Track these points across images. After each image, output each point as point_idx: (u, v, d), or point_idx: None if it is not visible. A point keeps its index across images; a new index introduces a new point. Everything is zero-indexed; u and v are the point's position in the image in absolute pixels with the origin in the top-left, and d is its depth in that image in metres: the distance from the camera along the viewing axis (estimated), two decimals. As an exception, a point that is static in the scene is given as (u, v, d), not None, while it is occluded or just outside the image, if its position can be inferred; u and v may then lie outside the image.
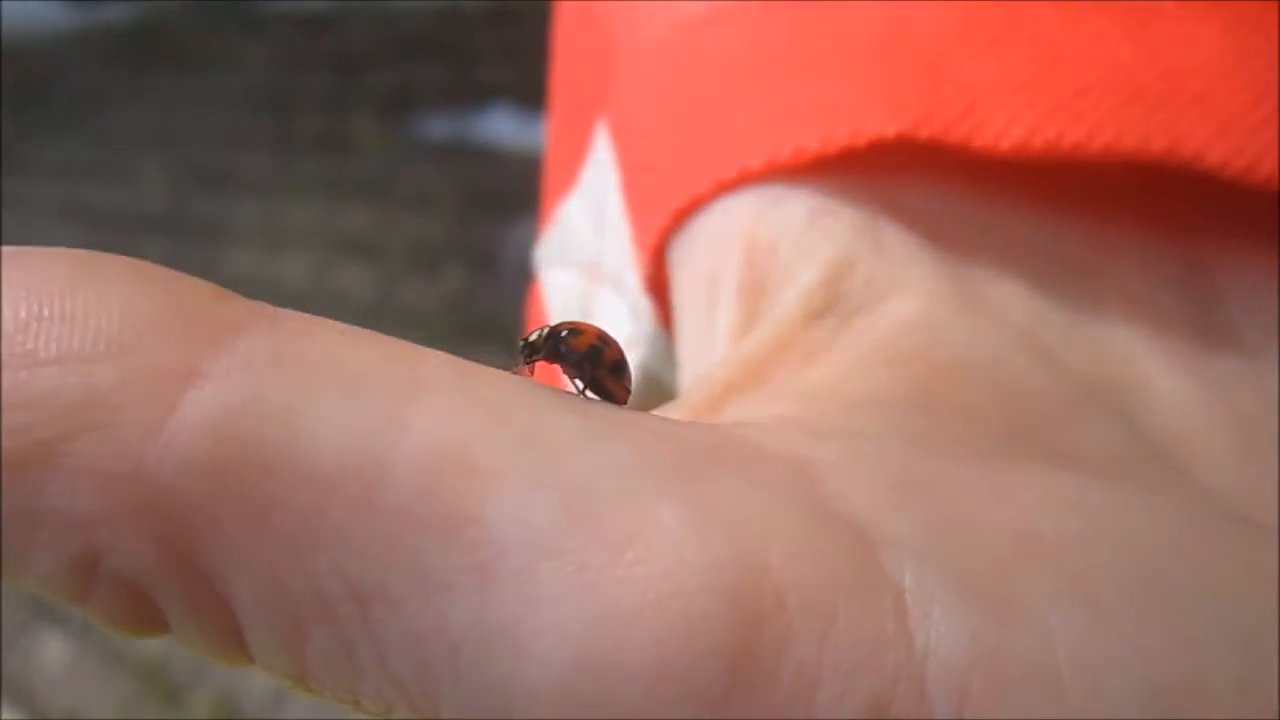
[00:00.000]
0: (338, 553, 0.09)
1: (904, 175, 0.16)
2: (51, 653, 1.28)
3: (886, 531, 0.10)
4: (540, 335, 0.13)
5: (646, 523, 0.09)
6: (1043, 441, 0.13)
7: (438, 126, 1.67)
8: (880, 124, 0.15)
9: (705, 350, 0.16)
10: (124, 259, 0.10)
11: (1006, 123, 0.16)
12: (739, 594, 0.09)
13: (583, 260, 0.21)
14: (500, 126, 1.55)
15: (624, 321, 0.19)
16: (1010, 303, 0.15)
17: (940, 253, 0.15)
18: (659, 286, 0.18)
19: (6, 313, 0.10)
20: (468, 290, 1.40)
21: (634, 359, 0.19)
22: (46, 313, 0.10)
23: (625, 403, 0.13)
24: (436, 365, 0.10)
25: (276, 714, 1.10)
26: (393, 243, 1.53)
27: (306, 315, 0.10)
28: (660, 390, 0.19)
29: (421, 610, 0.09)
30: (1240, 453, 0.14)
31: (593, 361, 0.13)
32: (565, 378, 0.13)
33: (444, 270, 1.44)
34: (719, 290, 0.16)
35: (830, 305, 0.15)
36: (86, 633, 1.27)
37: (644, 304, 0.18)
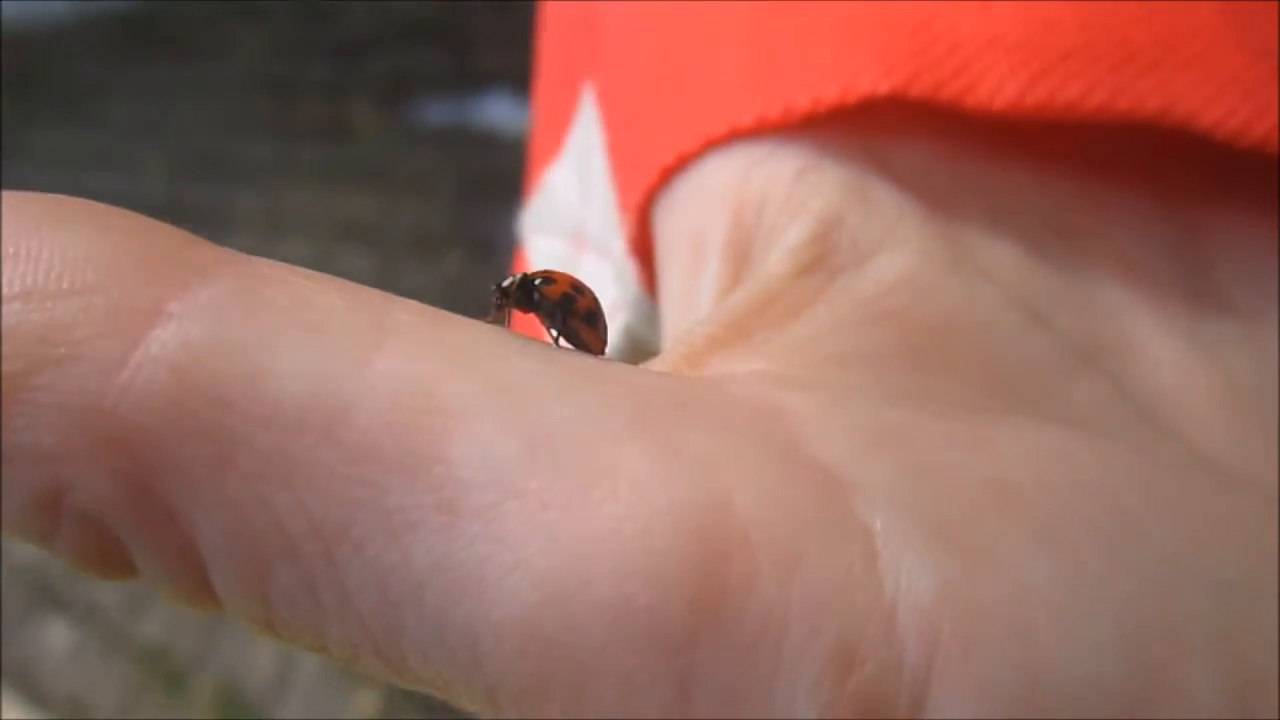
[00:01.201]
0: (301, 491, 0.09)
1: (894, 134, 0.16)
2: (54, 639, 1.28)
3: (858, 476, 0.10)
4: (513, 282, 0.13)
5: (612, 463, 0.09)
6: (1030, 401, 0.13)
7: (437, 112, 1.67)
8: (872, 81, 0.15)
9: (689, 310, 0.16)
10: (94, 203, 0.10)
11: (999, 81, 0.15)
12: (703, 533, 0.09)
13: (568, 226, 0.21)
14: (499, 112, 1.55)
15: (609, 286, 0.19)
16: (1001, 263, 0.15)
17: (930, 211, 0.15)
18: (644, 248, 0.18)
19: None
20: (467, 275, 1.40)
21: (618, 324, 0.19)
22: (12, 251, 0.10)
23: (600, 354, 0.13)
24: (404, 311, 0.10)
25: (277, 700, 1.11)
26: (392, 228, 1.52)
27: (276, 262, 0.10)
28: (645, 354, 0.19)
29: (386, 549, 0.09)
30: (1232, 415, 0.14)
31: (565, 310, 0.13)
32: (543, 329, 0.13)
33: (444, 255, 1.44)
34: (705, 249, 0.16)
35: (818, 262, 0.14)
36: (88, 619, 1.28)
37: (629, 268, 0.18)
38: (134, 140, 2.06)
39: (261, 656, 1.14)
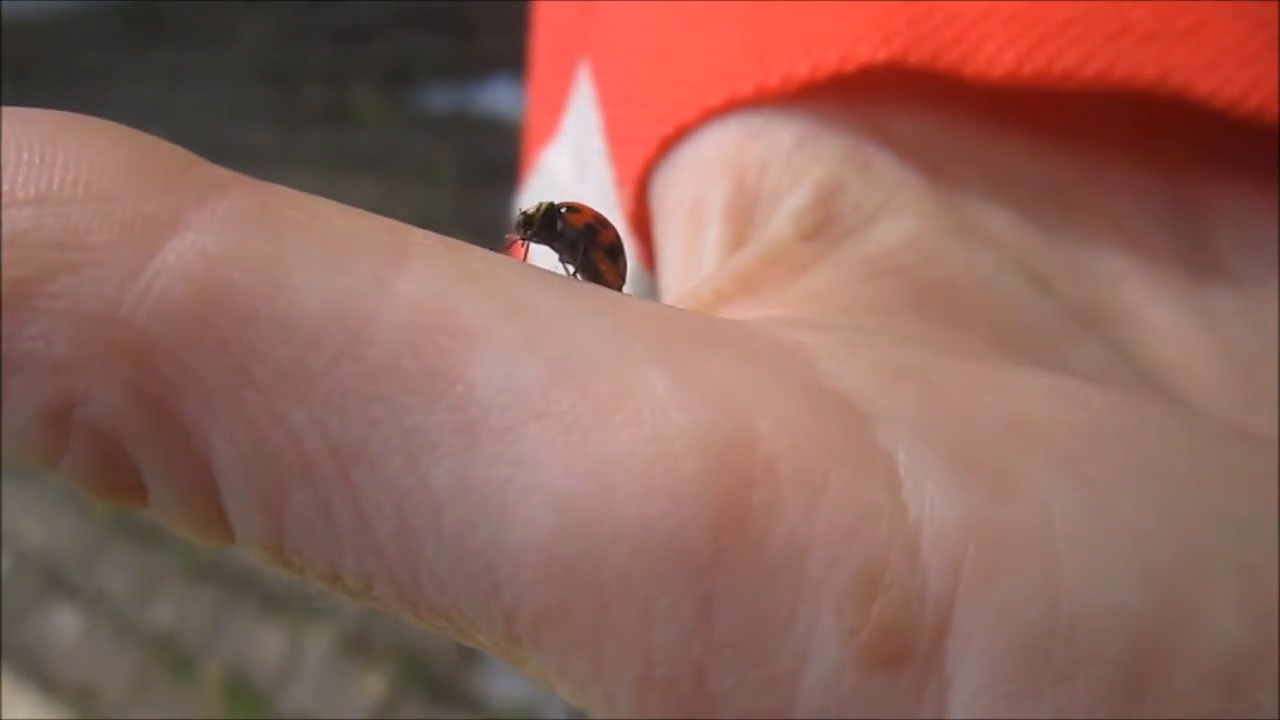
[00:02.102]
0: (319, 407, 0.09)
1: (893, 104, 0.16)
2: (62, 626, 1.29)
3: (880, 408, 0.10)
4: (538, 209, 0.13)
5: (635, 386, 0.09)
6: (1036, 358, 0.13)
7: (439, 98, 1.66)
8: (870, 50, 0.15)
9: (690, 276, 0.16)
10: (111, 122, 0.10)
11: (997, 50, 0.15)
12: (727, 458, 0.09)
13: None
14: (502, 97, 1.54)
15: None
16: (1001, 230, 0.15)
17: (930, 180, 0.15)
18: (641, 223, 0.17)
19: None
20: (471, 261, 1.40)
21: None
22: (26, 158, 0.09)
23: (619, 290, 0.13)
24: (423, 237, 0.10)
25: (285, 685, 1.11)
26: (396, 214, 1.50)
27: (295, 190, 0.10)
28: None
29: (404, 470, 0.09)
30: (1231, 380, 0.14)
31: (588, 240, 0.13)
32: (559, 265, 0.13)
33: (447, 242, 1.44)
34: (705, 214, 0.16)
35: (821, 226, 0.14)
36: (97, 606, 1.28)
37: (627, 246, 0.18)
38: (136, 127, 2.06)
39: (269, 642, 1.15)
